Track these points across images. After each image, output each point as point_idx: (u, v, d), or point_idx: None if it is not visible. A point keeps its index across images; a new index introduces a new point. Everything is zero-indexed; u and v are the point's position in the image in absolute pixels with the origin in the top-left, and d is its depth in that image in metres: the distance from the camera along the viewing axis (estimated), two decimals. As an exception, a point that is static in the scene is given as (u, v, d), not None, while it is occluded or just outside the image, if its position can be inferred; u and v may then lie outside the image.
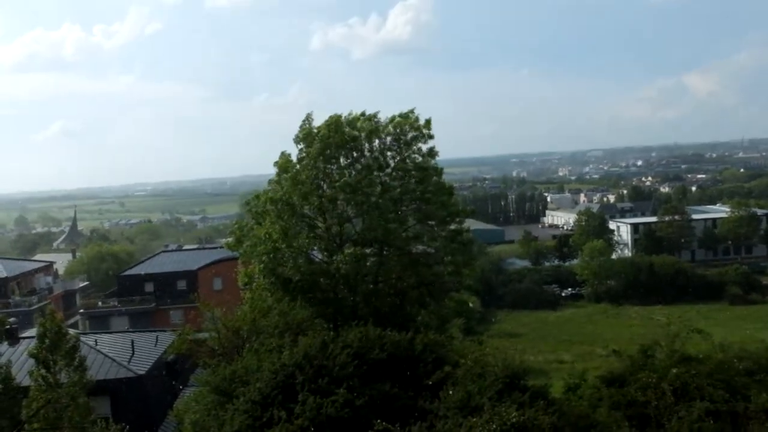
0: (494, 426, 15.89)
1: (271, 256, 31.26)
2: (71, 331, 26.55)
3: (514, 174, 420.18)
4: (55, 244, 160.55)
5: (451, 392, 18.41)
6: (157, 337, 40.12)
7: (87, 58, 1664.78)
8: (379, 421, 16.72)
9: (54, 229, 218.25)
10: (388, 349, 20.79)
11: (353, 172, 33.22)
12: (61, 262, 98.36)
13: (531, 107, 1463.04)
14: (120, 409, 31.60)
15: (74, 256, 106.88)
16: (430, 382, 19.65)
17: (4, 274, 69.37)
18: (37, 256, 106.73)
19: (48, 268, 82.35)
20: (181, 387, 36.86)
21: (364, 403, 18.51)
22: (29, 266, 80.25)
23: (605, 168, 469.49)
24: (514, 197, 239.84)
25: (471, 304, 77.88)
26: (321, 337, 21.33)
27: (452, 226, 33.74)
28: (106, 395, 31.33)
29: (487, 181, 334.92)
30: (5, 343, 30.54)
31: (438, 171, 33.93)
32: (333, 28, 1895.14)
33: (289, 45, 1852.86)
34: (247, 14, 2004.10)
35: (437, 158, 34.42)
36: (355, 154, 33.41)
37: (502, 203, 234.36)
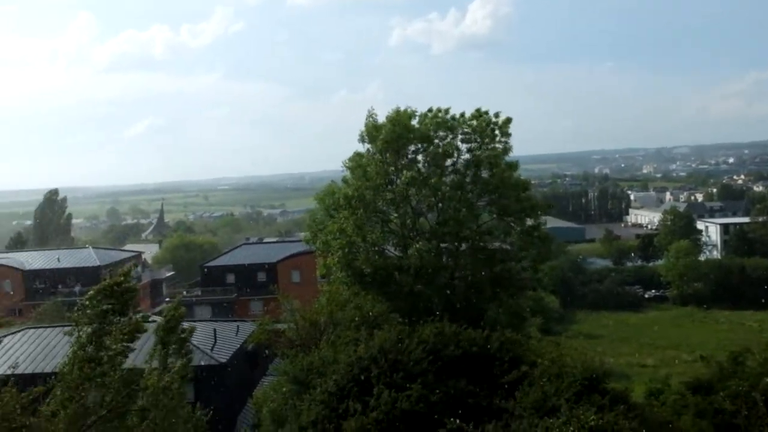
0: (572, 428, 15.55)
1: (346, 250, 31.61)
2: (155, 318, 27.65)
3: (596, 171, 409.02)
4: (143, 235, 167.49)
5: (527, 392, 18.14)
6: (237, 326, 41.24)
7: (174, 58, 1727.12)
8: (453, 419, 16.66)
9: (143, 221, 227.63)
10: (463, 346, 20.68)
11: (423, 167, 33.18)
12: (149, 252, 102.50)
13: (613, 102, 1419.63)
14: (202, 395, 32.70)
15: (161, 247, 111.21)
16: (506, 381, 19.41)
17: (96, 263, 72.78)
18: (127, 246, 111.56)
19: (137, 257, 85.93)
20: (261, 376, 37.73)
21: (438, 399, 18.49)
22: (120, 255, 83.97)
23: (693, 165, 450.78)
24: (596, 195, 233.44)
25: (549, 303, 76.49)
26: (396, 332, 21.41)
27: (528, 222, 33.21)
28: (190, 381, 32.45)
29: (567, 178, 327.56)
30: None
31: (513, 165, 33.44)
32: (412, 24, 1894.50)
33: (368, 42, 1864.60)
34: (327, 12, 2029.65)
35: (515, 154, 33.97)
36: (423, 149, 33.33)
37: (583, 201, 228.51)
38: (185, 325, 20.33)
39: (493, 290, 32.74)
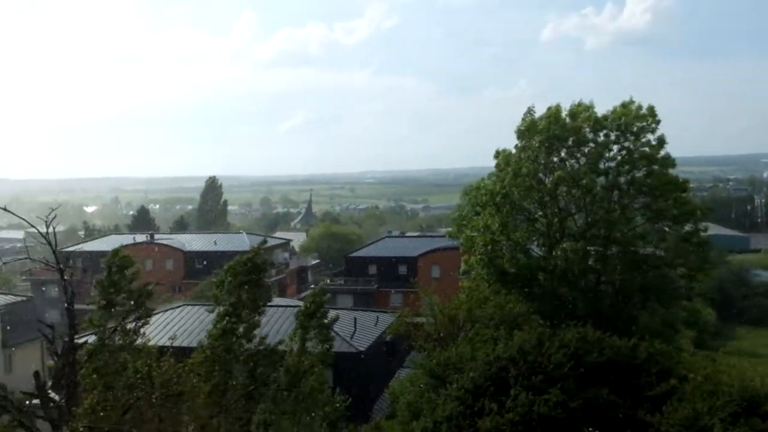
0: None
1: (489, 247, 31.26)
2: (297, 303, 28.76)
3: (765, 175, 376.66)
4: (292, 224, 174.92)
5: (676, 408, 17.06)
6: (377, 317, 42.07)
7: (329, 54, 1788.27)
8: (592, 428, 16.02)
9: (292, 210, 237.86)
10: (607, 353, 19.84)
11: (574, 165, 32.05)
12: (297, 240, 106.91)
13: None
14: (341, 382, 33.65)
15: (308, 236, 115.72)
16: (653, 395, 18.39)
17: (248, 247, 76.64)
18: (277, 234, 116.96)
19: (286, 245, 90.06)
20: (398, 367, 38.26)
21: (578, 406, 17.86)
22: (270, 242, 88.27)
23: None
24: (763, 201, 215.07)
25: (705, 316, 71.52)
26: (537, 334, 20.91)
27: (686, 227, 31.16)
28: (330, 367, 33.50)
29: (730, 183, 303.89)
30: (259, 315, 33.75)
31: (669, 162, 31.44)
32: (566, 19, 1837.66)
33: (519, 38, 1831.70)
34: (479, 9, 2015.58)
35: (672, 154, 31.97)
36: (576, 147, 32.18)
37: (748, 207, 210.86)
38: (330, 312, 20.95)
39: (644, 298, 31.10)
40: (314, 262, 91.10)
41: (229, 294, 17.28)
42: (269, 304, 38.28)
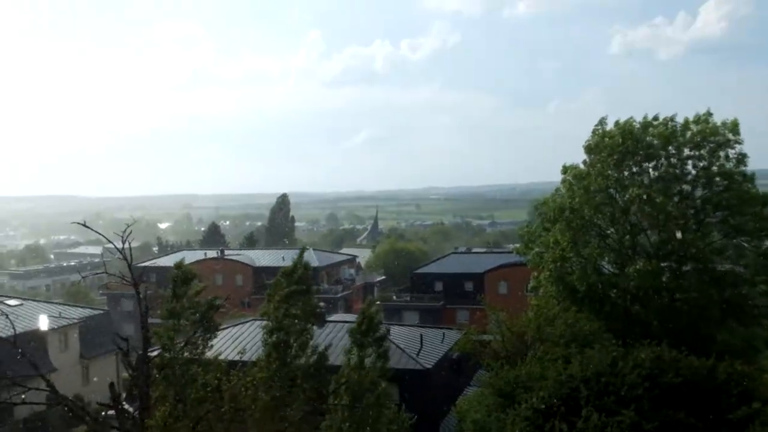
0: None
1: (559, 264, 30.62)
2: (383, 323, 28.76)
3: None
4: (358, 240, 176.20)
5: (760, 432, 16.20)
6: (443, 333, 41.68)
7: (394, 71, 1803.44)
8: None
9: (358, 227, 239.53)
10: (684, 373, 19.03)
11: (647, 181, 31.09)
12: (363, 256, 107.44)
13: None
14: (407, 399, 33.43)
15: (374, 252, 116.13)
16: (734, 418, 17.51)
17: (316, 264, 77.79)
18: (343, 250, 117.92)
19: (352, 261, 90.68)
20: (465, 385, 37.77)
21: (653, 429, 17.20)
22: (337, 258, 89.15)
23: None
24: None
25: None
26: (610, 353, 20.27)
27: (766, 242, 29.76)
28: (395, 383, 33.35)
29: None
30: (314, 325, 34.05)
31: (749, 177, 30.15)
32: (635, 30, 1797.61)
33: (585, 50, 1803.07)
34: (544, 22, 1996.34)
35: (753, 166, 30.67)
36: (649, 162, 31.21)
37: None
38: (382, 327, 20.85)
39: (722, 316, 29.79)
40: (380, 278, 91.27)
41: (276, 308, 17.43)
42: (331, 319, 38.63)
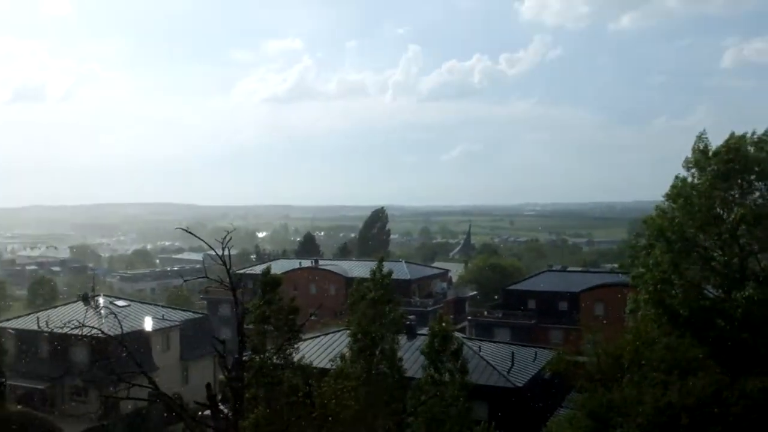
0: None
1: (659, 286, 29.32)
2: (457, 335, 28.59)
3: None
4: (450, 254, 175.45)
5: None
6: (536, 353, 40.83)
7: (491, 85, 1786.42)
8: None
9: (451, 241, 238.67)
10: (798, 408, 17.77)
11: (757, 201, 29.33)
12: (455, 270, 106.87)
13: None
14: (496, 416, 32.89)
15: (466, 267, 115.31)
16: None
17: (408, 276, 78.03)
18: (436, 264, 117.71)
19: (444, 275, 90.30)
20: (556, 406, 36.79)
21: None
22: (428, 272, 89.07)
23: None
24: None
25: None
26: (714, 382, 19.21)
27: None
28: (484, 400, 32.89)
29: None
30: (404, 337, 34.15)
31: None
32: (749, 43, 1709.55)
33: (695, 64, 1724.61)
34: (651, 35, 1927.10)
35: None
36: (761, 180, 29.42)
37: None
38: (457, 335, 20.64)
39: None
40: (472, 293, 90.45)
41: (361, 316, 17.60)
42: (422, 332, 38.53)
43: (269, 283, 17.11)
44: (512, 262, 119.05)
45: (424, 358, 23.43)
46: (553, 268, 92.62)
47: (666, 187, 32.30)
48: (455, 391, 21.95)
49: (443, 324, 24.17)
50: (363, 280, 21.27)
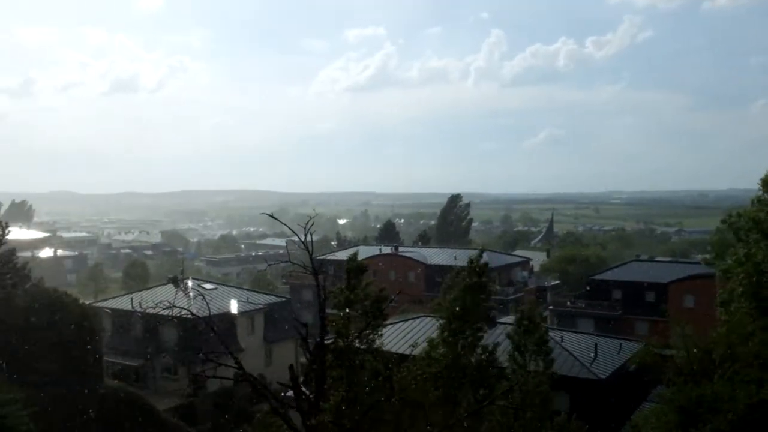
0: None
1: (754, 279, 27.95)
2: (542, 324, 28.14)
3: None
4: (532, 243, 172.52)
5: None
6: (620, 344, 39.77)
7: (577, 69, 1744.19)
8: None
9: (533, 229, 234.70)
10: None
11: None
12: (537, 259, 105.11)
13: None
14: (578, 408, 32.26)
15: (548, 256, 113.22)
16: None
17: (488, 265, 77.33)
18: (517, 252, 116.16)
19: (525, 263, 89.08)
20: (641, 400, 35.77)
21: None
22: (509, 260, 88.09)
23: None
24: None
25: None
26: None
27: None
28: (565, 391, 32.31)
29: None
30: (485, 326, 33.90)
31: None
32: None
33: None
34: (750, 13, 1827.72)
35: None
36: None
37: None
38: (544, 327, 20.31)
39: None
40: (554, 282, 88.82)
41: (453, 302, 17.57)
42: (502, 321, 38.22)
43: (354, 269, 17.38)
44: (596, 251, 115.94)
45: (510, 344, 23.24)
46: (641, 258, 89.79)
47: (763, 174, 30.76)
48: (539, 379, 21.70)
49: (531, 309, 23.90)
50: (449, 269, 21.37)
